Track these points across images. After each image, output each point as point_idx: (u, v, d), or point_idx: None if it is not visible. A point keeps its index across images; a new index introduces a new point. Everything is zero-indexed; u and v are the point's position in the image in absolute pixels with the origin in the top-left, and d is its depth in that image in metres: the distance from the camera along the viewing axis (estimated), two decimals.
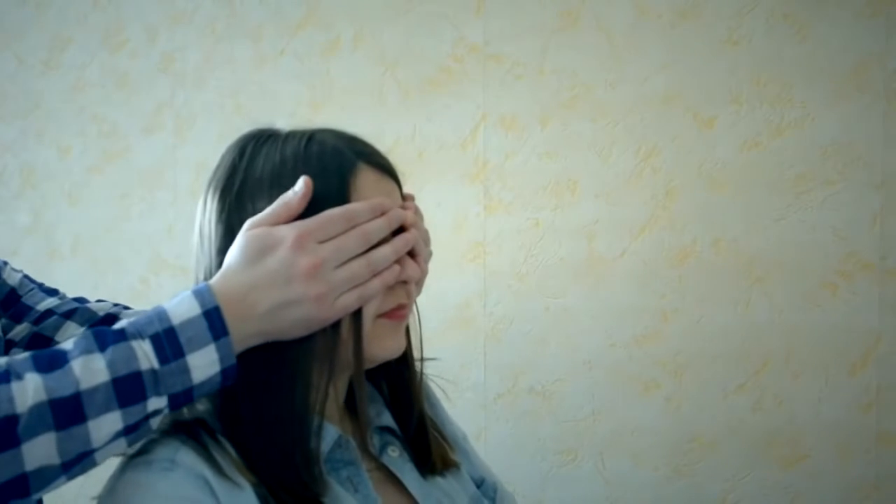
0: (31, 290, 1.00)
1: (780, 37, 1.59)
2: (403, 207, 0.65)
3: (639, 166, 1.69)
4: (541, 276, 1.76)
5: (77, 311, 0.98)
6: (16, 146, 2.20)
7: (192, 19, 2.02)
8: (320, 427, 0.61)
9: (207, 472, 0.56)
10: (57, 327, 0.95)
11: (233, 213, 0.62)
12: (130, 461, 0.57)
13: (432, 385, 0.81)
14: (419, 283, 0.69)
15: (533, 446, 1.78)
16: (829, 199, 1.58)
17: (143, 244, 2.09)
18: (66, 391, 0.50)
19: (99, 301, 1.03)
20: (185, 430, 0.59)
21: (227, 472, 0.57)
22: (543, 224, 1.75)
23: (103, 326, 0.55)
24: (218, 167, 0.65)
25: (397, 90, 1.85)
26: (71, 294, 1.05)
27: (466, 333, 1.79)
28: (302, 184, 0.59)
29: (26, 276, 1.02)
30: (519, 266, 1.77)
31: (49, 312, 0.97)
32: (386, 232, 0.61)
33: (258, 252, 0.57)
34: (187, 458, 0.56)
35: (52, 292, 1.02)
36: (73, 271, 2.15)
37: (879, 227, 1.55)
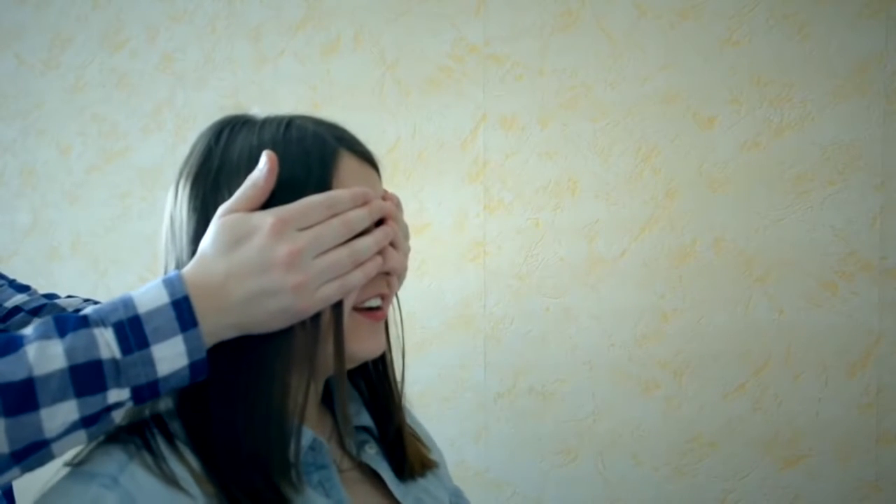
0: (1, 286, 0.99)
1: (780, 37, 1.59)
2: (384, 199, 0.63)
3: (639, 166, 1.68)
4: (541, 276, 1.76)
5: (45, 307, 0.97)
6: (16, 146, 2.20)
7: (192, 19, 2.02)
8: (299, 431, 0.58)
9: (158, 485, 0.53)
10: (24, 324, 0.94)
11: (208, 199, 0.58)
12: (73, 469, 0.53)
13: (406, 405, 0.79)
14: (400, 278, 0.66)
15: (533, 446, 1.78)
16: (829, 199, 1.57)
17: (143, 244, 2.09)
18: (16, 376, 0.47)
19: (69, 297, 1.02)
20: (139, 435, 0.55)
21: (183, 483, 0.53)
22: (543, 224, 1.75)
23: (68, 313, 0.51)
24: (191, 153, 0.61)
25: (397, 90, 1.85)
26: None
27: (466, 333, 1.79)
28: (266, 159, 0.56)
29: None
30: (519, 266, 1.77)
31: (17, 309, 0.96)
32: (368, 222, 0.58)
33: (233, 239, 0.54)
34: (134, 476, 0.52)
35: (23, 288, 1.01)
36: (73, 271, 2.15)
37: (879, 227, 1.55)
